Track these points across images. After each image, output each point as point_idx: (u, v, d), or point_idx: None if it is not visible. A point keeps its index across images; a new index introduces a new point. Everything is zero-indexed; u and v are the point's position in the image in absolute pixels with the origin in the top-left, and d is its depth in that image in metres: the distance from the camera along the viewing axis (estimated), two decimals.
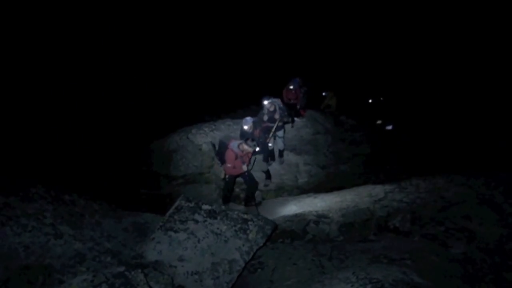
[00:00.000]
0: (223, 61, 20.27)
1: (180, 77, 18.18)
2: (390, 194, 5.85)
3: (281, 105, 8.46)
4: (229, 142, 6.57)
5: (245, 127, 7.46)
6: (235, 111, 13.66)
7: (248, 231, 4.12)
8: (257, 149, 6.89)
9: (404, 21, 20.97)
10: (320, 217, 5.44)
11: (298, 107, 11.03)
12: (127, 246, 4.57)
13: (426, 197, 5.39)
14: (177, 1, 22.03)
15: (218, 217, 4.19)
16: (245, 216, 4.32)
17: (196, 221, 4.10)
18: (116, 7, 19.51)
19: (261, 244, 4.16)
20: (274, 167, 8.81)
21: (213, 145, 7.81)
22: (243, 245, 3.97)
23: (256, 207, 6.84)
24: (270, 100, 8.28)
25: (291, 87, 10.81)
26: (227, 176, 6.87)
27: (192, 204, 4.32)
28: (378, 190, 6.14)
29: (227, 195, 7.05)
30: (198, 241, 3.89)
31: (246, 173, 6.67)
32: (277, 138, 8.61)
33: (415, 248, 4.05)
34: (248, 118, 7.52)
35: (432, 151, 9.80)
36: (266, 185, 8.12)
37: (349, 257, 3.95)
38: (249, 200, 7.09)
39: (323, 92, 13.08)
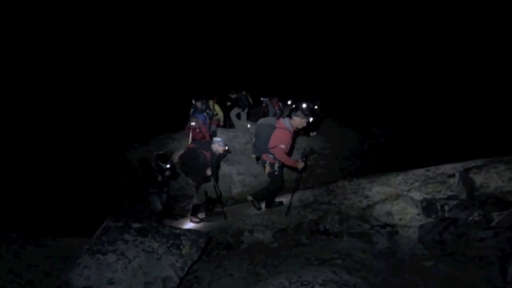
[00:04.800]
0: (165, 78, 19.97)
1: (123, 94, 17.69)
2: (319, 197, 6.09)
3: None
4: (277, 123, 5.73)
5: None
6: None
7: (181, 246, 4.04)
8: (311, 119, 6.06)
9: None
10: (254, 226, 5.50)
11: None
12: (51, 274, 4.24)
13: (352, 197, 5.69)
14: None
15: (149, 235, 4.06)
16: (177, 231, 4.24)
17: (126, 241, 3.94)
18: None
19: (196, 258, 4.09)
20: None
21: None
22: (177, 261, 3.88)
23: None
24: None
25: (193, 123, 9.02)
26: (276, 166, 5.90)
27: (120, 224, 4.14)
28: (308, 194, 6.36)
29: (278, 190, 6.26)
30: (129, 262, 3.73)
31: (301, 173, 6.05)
32: None
33: (344, 247, 4.25)
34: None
35: (357, 155, 10.38)
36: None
37: (283, 263, 4.03)
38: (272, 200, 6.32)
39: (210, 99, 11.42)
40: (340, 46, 21.69)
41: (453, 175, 5.40)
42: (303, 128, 6.51)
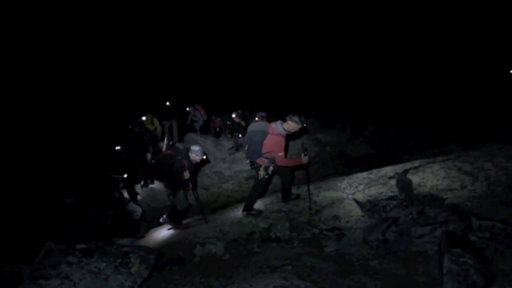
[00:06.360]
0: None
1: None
2: (269, 206, 6.16)
3: None
4: (269, 129, 5.54)
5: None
6: None
7: (130, 265, 3.91)
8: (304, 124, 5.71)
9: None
10: (206, 238, 5.45)
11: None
12: None
13: (301, 204, 5.82)
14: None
15: (95, 255, 3.90)
16: (125, 249, 4.11)
17: (70, 263, 3.75)
18: None
19: (146, 276, 3.99)
20: (159, 191, 8.62)
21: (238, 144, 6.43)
22: (126, 280, 3.75)
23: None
24: None
25: (118, 148, 8.30)
26: (270, 170, 5.71)
27: (63, 246, 3.94)
28: (258, 204, 6.40)
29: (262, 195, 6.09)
30: (74, 285, 3.56)
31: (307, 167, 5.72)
32: None
33: (295, 253, 4.33)
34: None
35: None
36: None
37: (235, 273, 4.03)
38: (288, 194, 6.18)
39: (143, 116, 11.01)
40: (277, 53, 21.90)
41: (393, 177, 5.72)
42: None
